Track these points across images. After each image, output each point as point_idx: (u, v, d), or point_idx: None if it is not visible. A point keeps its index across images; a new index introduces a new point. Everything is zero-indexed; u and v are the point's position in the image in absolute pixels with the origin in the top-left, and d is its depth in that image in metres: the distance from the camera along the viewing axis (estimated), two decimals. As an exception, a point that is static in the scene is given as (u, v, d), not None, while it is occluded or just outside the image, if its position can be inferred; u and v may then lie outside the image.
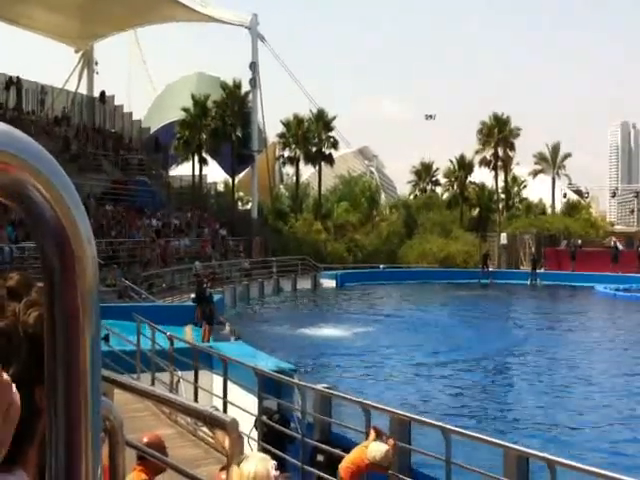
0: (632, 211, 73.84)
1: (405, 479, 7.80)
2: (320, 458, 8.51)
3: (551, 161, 58.31)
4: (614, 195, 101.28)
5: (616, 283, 37.94)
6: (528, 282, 42.33)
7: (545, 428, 13.14)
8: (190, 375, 11.19)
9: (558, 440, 12.11)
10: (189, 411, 3.61)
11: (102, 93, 48.45)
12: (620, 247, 44.62)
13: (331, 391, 9.60)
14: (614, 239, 46.51)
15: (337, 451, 8.07)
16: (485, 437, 7.66)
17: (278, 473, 2.91)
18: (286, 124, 54.52)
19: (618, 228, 64.03)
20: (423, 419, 8.58)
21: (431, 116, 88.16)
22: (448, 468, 7.05)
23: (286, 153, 55.24)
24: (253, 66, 46.83)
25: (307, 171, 61.34)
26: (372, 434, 7.01)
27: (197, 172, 49.22)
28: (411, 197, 61.61)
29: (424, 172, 61.03)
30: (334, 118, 55.10)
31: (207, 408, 3.85)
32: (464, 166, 58.30)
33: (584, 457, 9.96)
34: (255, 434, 9.29)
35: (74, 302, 0.71)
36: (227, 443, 3.08)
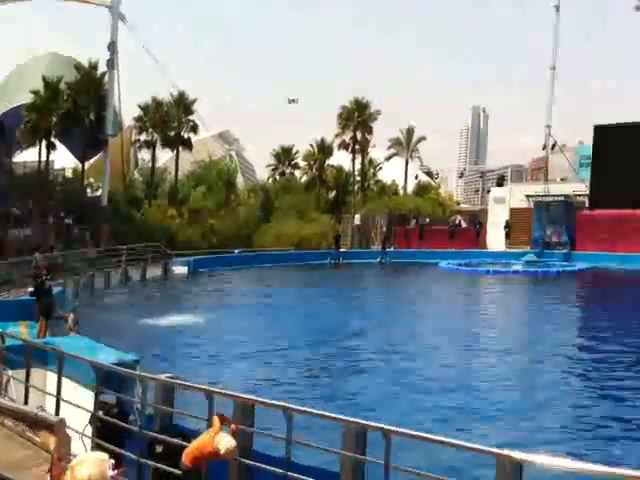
0: (477, 190, 78.15)
1: (247, 462, 7.80)
2: (159, 449, 8.33)
3: (405, 144, 60.52)
4: (462, 175, 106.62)
5: (458, 259, 40.13)
6: (378, 260, 43.85)
7: (387, 401, 13.64)
8: (22, 374, 10.57)
9: (401, 413, 12.60)
10: (13, 413, 3.38)
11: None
12: (463, 224, 47.12)
13: (173, 380, 9.42)
14: (458, 217, 49.05)
15: (176, 440, 7.93)
16: (324, 413, 7.78)
17: (115, 472, 2.76)
18: (144, 108, 52.91)
19: (464, 207, 67.60)
20: (265, 400, 8.59)
21: (294, 100, 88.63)
22: (288, 446, 7.13)
23: (143, 137, 53.63)
24: (112, 46, 44.88)
25: (164, 156, 59.93)
26: (216, 421, 6.96)
27: (45, 158, 46.63)
28: (270, 181, 61.84)
29: (284, 156, 61.45)
30: (194, 101, 54.22)
31: (33, 409, 3.63)
32: (324, 149, 59.26)
33: (422, 426, 10.39)
34: (89, 431, 8.95)
35: None
36: (54, 443, 2.91)
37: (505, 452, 5.60)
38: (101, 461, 2.85)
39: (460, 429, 11.04)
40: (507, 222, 43.79)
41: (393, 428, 6.41)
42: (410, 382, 14.97)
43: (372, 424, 6.98)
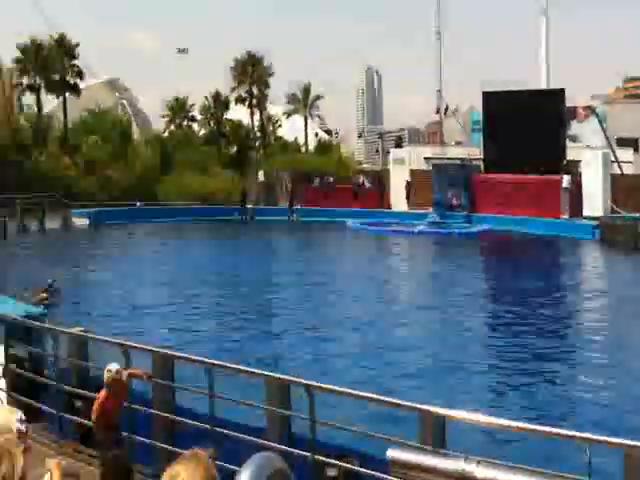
0: (377, 151, 79.14)
1: (168, 416, 7.70)
2: (78, 404, 8.09)
3: (302, 102, 60.42)
4: (360, 135, 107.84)
5: (363, 218, 40.73)
6: (287, 218, 43.93)
7: (307, 356, 13.78)
8: None
9: (321, 368, 12.69)
10: None
11: None
12: (367, 184, 47.74)
13: (87, 334, 9.14)
14: (362, 177, 49.62)
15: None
16: (244, 368, 7.77)
17: (25, 426, 2.57)
18: (23, 49, 50.05)
19: (366, 167, 68.43)
20: (185, 355, 8.51)
21: (183, 50, 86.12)
22: (211, 401, 7.08)
23: (25, 81, 50.82)
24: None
25: (50, 103, 57.04)
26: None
27: None
28: (166, 133, 60.29)
29: (178, 107, 59.92)
30: (77, 45, 51.70)
31: None
32: (220, 103, 58.21)
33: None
34: (3, 384, 8.57)
35: None
36: None
37: (426, 407, 5.63)
38: (8, 412, 2.71)
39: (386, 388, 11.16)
40: (408, 183, 44.74)
41: (315, 383, 6.47)
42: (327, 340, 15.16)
43: (294, 379, 7.03)
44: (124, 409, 7.18)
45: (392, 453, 5.05)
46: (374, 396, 6.51)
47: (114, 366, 6.83)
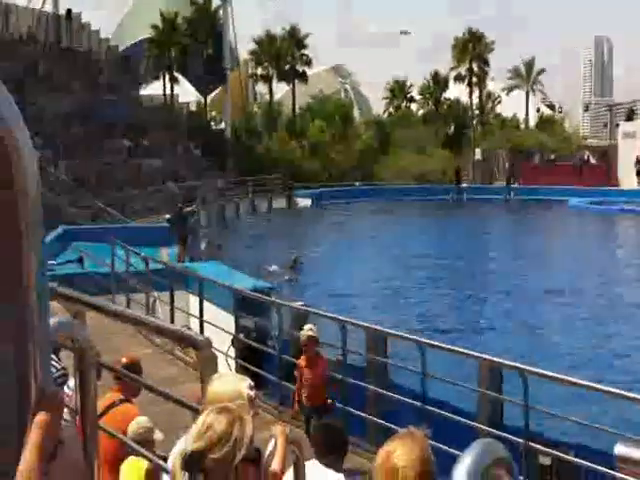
0: (605, 125, 73.97)
1: (383, 392, 7.90)
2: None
3: (525, 76, 58.14)
4: (587, 109, 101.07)
5: (586, 196, 38.29)
6: (503, 197, 42.64)
7: (520, 340, 13.40)
8: (166, 296, 11.16)
9: (533, 352, 12.32)
10: (161, 331, 3.57)
11: (68, 10, 46.27)
12: (592, 161, 44.84)
13: (307, 308, 9.64)
14: (586, 153, 46.68)
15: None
16: (458, 349, 7.72)
17: (254, 393, 2.76)
18: (258, 42, 53.65)
19: (591, 142, 64.21)
20: (398, 333, 8.66)
21: (406, 32, 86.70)
22: (424, 380, 7.13)
23: (259, 71, 54.63)
24: (224, -20, 45.44)
25: (280, 90, 60.48)
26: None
27: (168, 91, 48.29)
28: (385, 114, 61.27)
29: (398, 89, 60.55)
30: (307, 36, 54.22)
31: (179, 328, 3.79)
32: (439, 82, 57.92)
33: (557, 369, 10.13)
34: (232, 352, 9.35)
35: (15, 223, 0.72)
36: (199, 361, 2.99)
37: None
38: (240, 380, 2.86)
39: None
40: (638, 158, 41.33)
41: (529, 367, 6.26)
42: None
43: (507, 362, 6.85)
44: (338, 382, 7.48)
45: (621, 449, 4.74)
46: (594, 385, 6.15)
47: (308, 326, 7.15)
